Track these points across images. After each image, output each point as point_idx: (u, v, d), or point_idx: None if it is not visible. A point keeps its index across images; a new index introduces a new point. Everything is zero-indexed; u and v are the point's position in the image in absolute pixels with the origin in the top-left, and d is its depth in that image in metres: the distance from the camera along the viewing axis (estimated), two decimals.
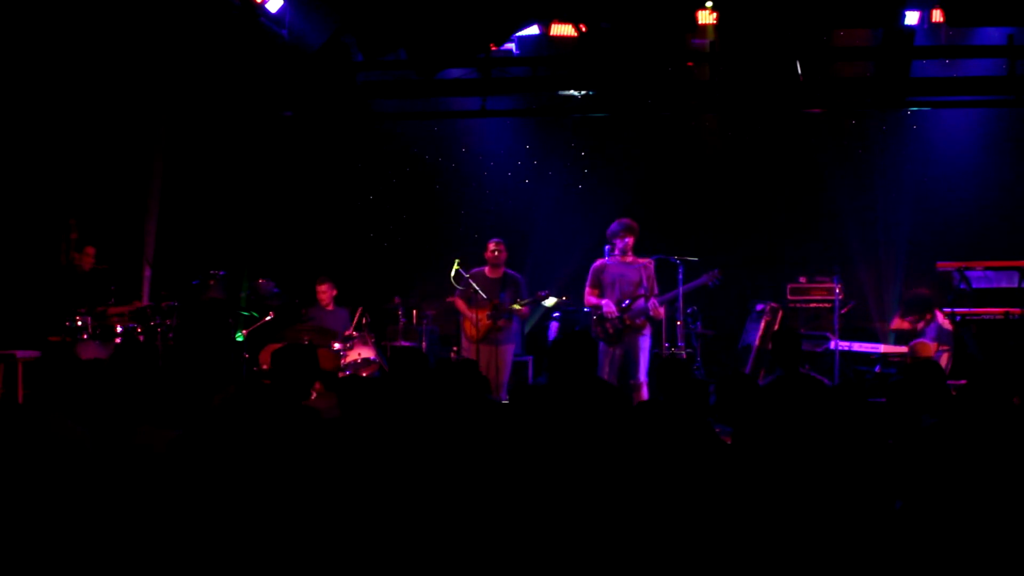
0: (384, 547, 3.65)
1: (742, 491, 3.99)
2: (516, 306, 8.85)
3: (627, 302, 8.39)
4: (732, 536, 3.79)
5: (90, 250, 9.23)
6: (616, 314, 8.34)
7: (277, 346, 8.64)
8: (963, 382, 8.10)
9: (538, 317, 10.87)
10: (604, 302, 8.41)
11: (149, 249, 10.26)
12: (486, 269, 9.02)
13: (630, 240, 8.46)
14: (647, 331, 8.43)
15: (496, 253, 9.00)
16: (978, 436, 4.09)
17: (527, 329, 10.76)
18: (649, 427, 4.50)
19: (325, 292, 9.83)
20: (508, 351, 9.01)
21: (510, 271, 9.09)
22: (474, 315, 8.85)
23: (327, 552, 3.62)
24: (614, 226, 8.54)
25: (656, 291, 8.57)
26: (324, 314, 9.79)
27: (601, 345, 8.42)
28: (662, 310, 8.53)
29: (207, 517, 3.62)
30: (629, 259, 8.48)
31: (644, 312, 8.37)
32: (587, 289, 8.63)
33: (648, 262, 8.62)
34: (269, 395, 4.59)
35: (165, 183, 10.23)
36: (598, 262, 8.68)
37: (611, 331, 8.37)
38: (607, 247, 8.93)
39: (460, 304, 9.00)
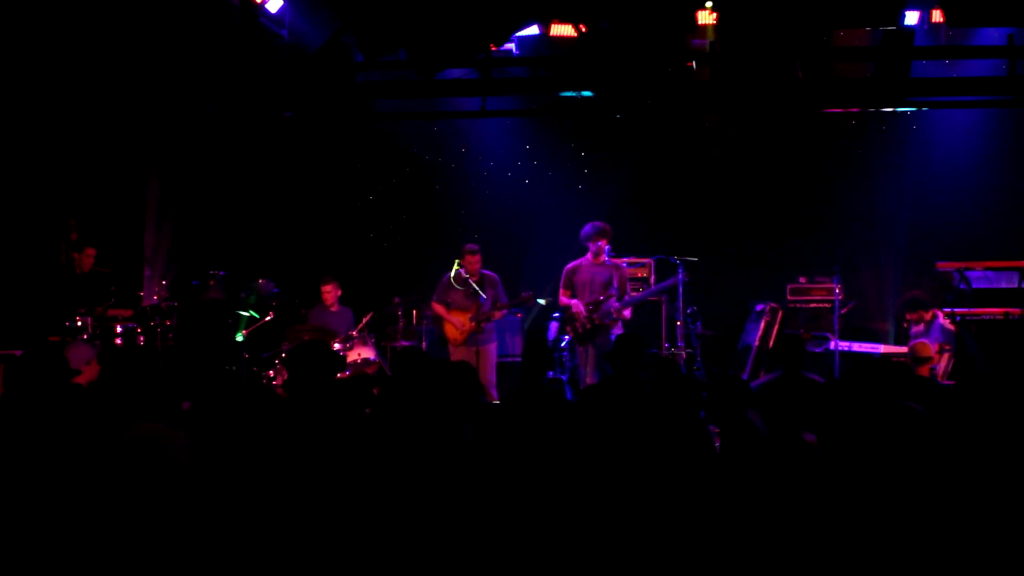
0: (386, 546, 3.65)
1: (732, 491, 4.00)
2: (497, 311, 9.00)
3: (601, 298, 8.53)
4: (722, 533, 3.79)
5: (91, 251, 9.22)
6: (584, 314, 8.50)
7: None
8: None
9: (534, 316, 10.87)
10: (573, 302, 8.68)
11: (148, 249, 10.26)
12: (462, 272, 9.07)
13: (603, 243, 8.69)
14: (617, 329, 8.56)
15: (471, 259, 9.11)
16: (974, 436, 4.08)
17: (526, 326, 10.77)
18: (643, 424, 4.52)
19: (330, 292, 9.80)
20: (491, 351, 9.15)
21: (486, 271, 9.16)
22: (456, 319, 8.96)
23: (333, 552, 3.62)
24: (587, 229, 8.76)
25: (628, 290, 8.74)
26: (328, 315, 9.77)
27: (577, 346, 8.73)
28: (627, 312, 8.73)
29: (219, 515, 3.63)
30: (602, 260, 8.61)
31: (611, 312, 8.52)
32: (560, 289, 8.85)
33: (622, 263, 8.82)
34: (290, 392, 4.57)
35: (165, 184, 10.23)
36: (571, 264, 8.85)
37: (580, 330, 8.63)
38: (607, 247, 8.96)
39: (440, 309, 9.10)
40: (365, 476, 3.93)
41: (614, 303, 8.57)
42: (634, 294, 9.06)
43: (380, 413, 4.78)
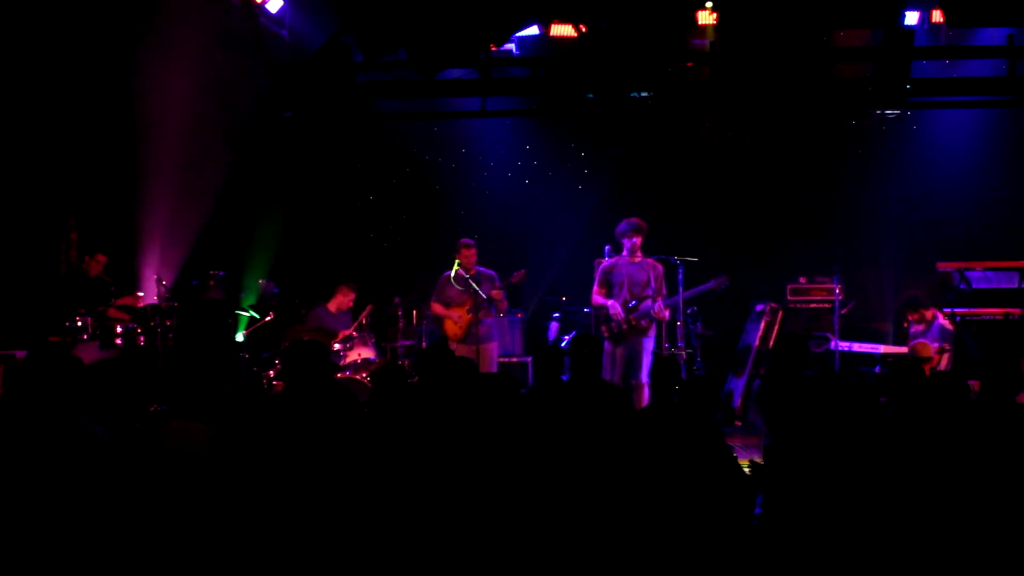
0: (396, 543, 3.65)
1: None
2: (494, 292, 8.85)
3: (633, 302, 8.40)
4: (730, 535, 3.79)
5: (101, 258, 9.18)
6: (622, 315, 8.35)
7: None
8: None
9: (532, 314, 10.88)
10: (610, 303, 8.42)
11: (147, 249, 10.25)
12: (461, 271, 9.03)
13: (638, 240, 8.47)
14: (651, 332, 8.44)
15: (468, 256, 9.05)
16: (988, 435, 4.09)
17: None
18: (654, 430, 4.51)
19: (351, 298, 9.68)
20: (492, 349, 9.03)
21: (482, 268, 9.11)
22: (455, 313, 8.90)
23: (348, 548, 3.62)
24: (622, 225, 8.54)
25: (664, 292, 8.56)
26: (328, 316, 9.75)
27: (606, 345, 8.43)
28: (667, 312, 8.53)
29: (236, 513, 3.63)
30: (638, 259, 8.49)
31: (649, 313, 8.36)
32: (595, 288, 8.62)
33: (656, 263, 8.62)
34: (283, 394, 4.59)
35: (165, 183, 10.22)
36: (607, 261, 8.69)
37: (616, 331, 8.39)
38: (607, 247, 8.94)
39: (439, 308, 9.05)
40: (368, 474, 3.93)
41: (653, 304, 8.38)
42: (674, 296, 8.82)
43: (405, 412, 4.75)
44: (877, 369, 9.50)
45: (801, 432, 4.47)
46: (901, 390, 4.71)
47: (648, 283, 8.43)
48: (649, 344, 8.41)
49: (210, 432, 4.13)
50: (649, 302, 8.37)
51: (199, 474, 3.84)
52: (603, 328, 8.51)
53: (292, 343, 4.81)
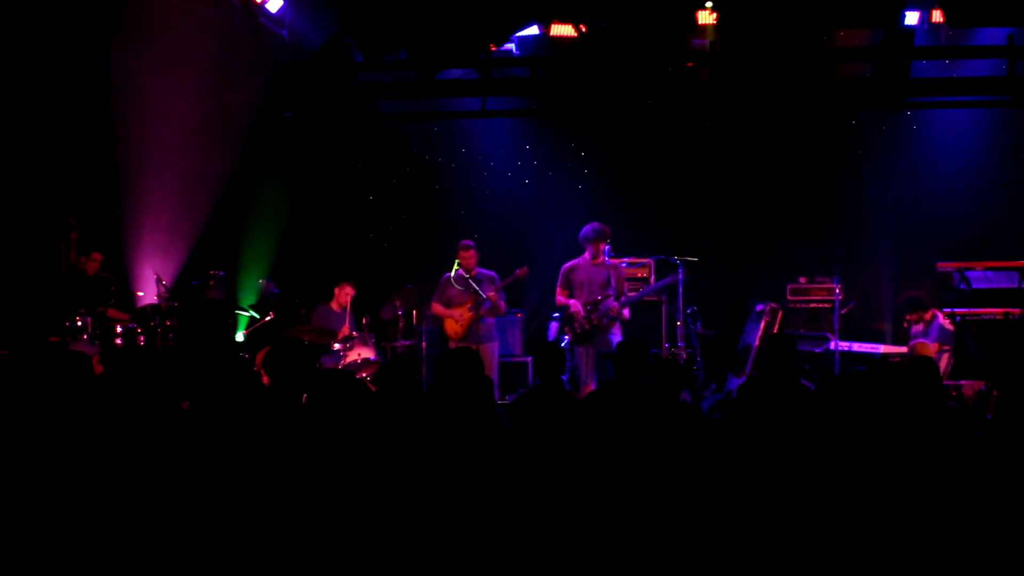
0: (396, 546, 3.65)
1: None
2: (492, 294, 8.86)
3: (593, 301, 8.52)
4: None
5: (97, 255, 9.21)
6: (583, 314, 8.49)
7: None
8: (963, 382, 8.16)
9: (531, 313, 10.88)
10: (571, 303, 8.64)
11: (147, 249, 10.25)
12: (462, 272, 9.04)
13: (602, 245, 8.64)
14: (616, 329, 8.60)
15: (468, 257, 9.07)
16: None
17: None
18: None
19: (350, 295, 9.67)
20: (492, 349, 9.07)
21: (483, 269, 9.12)
22: (456, 312, 8.91)
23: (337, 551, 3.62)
24: (587, 231, 8.73)
25: (625, 291, 8.75)
26: (331, 315, 9.74)
27: (576, 346, 8.67)
28: (626, 311, 8.71)
29: (212, 518, 3.62)
30: (600, 260, 8.61)
31: (610, 312, 8.51)
32: (558, 289, 8.82)
33: (619, 263, 8.82)
34: (266, 395, 4.59)
35: (165, 183, 10.22)
36: (568, 263, 8.82)
37: (579, 331, 8.58)
38: (606, 248, 8.96)
39: (439, 308, 9.05)
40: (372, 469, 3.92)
41: (612, 303, 8.55)
42: (631, 293, 9.04)
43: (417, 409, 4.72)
44: None
45: (799, 431, 4.48)
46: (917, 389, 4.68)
47: (608, 283, 8.63)
48: (616, 340, 8.51)
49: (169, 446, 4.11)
50: (610, 301, 8.51)
51: (155, 473, 3.83)
52: (567, 328, 8.71)
53: (272, 344, 4.80)
